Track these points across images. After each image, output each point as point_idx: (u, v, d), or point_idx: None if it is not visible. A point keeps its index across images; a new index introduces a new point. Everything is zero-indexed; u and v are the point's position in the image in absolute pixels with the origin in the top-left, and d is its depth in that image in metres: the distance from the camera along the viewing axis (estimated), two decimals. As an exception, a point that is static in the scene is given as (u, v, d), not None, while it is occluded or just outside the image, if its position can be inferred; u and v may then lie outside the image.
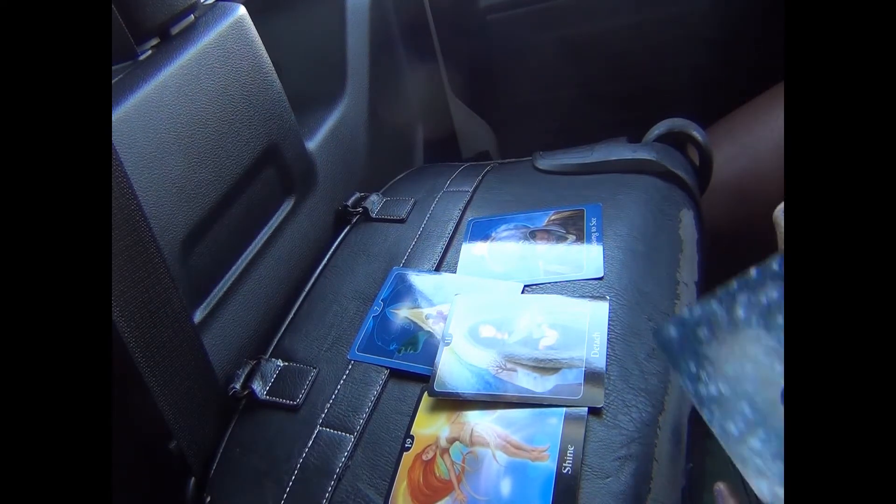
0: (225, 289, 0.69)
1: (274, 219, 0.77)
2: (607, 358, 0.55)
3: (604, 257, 0.63)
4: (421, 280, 0.69)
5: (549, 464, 0.49)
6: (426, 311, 0.65)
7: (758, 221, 0.83)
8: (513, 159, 0.87)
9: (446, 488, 0.50)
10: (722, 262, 0.76)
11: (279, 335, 0.70)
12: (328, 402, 0.60)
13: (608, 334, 0.56)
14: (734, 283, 0.28)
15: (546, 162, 0.81)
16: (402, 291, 0.68)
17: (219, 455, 0.60)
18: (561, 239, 0.68)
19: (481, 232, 0.72)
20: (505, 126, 1.21)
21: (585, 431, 0.51)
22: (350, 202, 0.84)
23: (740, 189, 0.84)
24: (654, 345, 0.56)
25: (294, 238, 0.78)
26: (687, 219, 0.70)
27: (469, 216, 0.76)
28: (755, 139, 0.84)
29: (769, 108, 0.86)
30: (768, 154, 0.82)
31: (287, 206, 0.79)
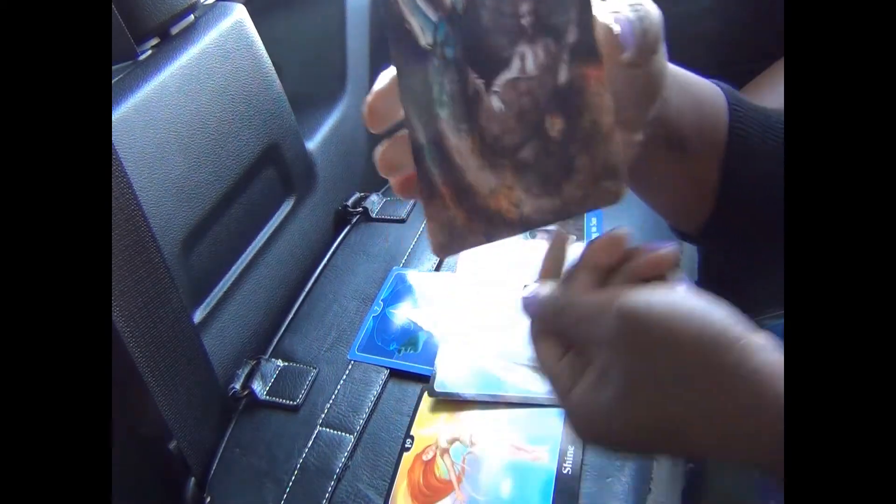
0: (225, 289, 0.69)
1: (274, 219, 0.77)
2: (607, 358, 0.55)
3: (604, 257, 0.63)
4: (421, 280, 0.69)
5: (549, 464, 0.49)
6: (426, 311, 0.65)
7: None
8: (513, 159, 0.86)
9: (446, 488, 0.50)
10: (722, 261, 0.76)
11: (279, 335, 0.70)
12: (328, 402, 0.60)
13: (608, 334, 0.56)
14: None
15: (546, 162, 0.81)
16: (402, 291, 0.68)
17: (219, 455, 0.60)
18: (561, 239, 0.68)
19: (481, 232, 0.72)
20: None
21: (585, 431, 0.51)
22: (350, 202, 0.84)
23: None
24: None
25: (294, 238, 0.78)
26: (687, 219, 0.70)
27: (469, 216, 0.75)
28: None
29: (760, 93, 0.86)
30: None
31: (287, 206, 0.79)
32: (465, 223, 0.26)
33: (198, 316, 0.66)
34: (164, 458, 0.59)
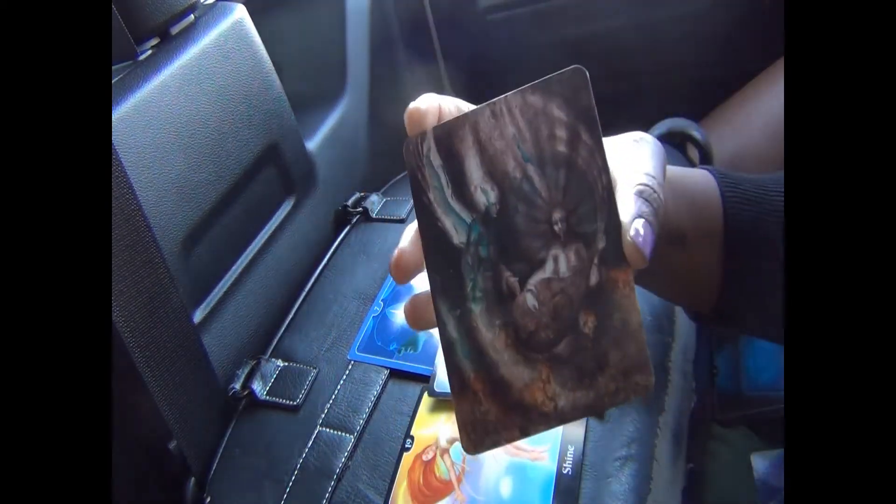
0: (225, 289, 0.69)
1: (274, 219, 0.77)
2: (607, 358, 0.54)
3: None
4: (421, 280, 0.69)
5: (549, 464, 0.49)
6: (426, 311, 0.65)
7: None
8: (513, 159, 0.86)
9: (446, 489, 0.50)
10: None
11: (279, 335, 0.70)
12: (328, 402, 0.60)
13: (608, 334, 0.56)
14: None
15: (546, 162, 0.81)
16: (402, 291, 0.68)
17: (219, 455, 0.60)
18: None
19: (481, 232, 0.72)
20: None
21: (585, 431, 0.51)
22: (350, 202, 0.84)
23: (733, 168, 0.84)
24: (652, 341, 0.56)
25: (294, 238, 0.78)
26: (687, 219, 0.70)
27: (469, 216, 0.75)
28: (746, 120, 0.85)
29: (759, 90, 0.87)
30: (759, 133, 0.82)
31: (287, 206, 0.79)
32: (499, 417, 0.26)
33: (198, 316, 0.66)
34: (164, 458, 0.59)
